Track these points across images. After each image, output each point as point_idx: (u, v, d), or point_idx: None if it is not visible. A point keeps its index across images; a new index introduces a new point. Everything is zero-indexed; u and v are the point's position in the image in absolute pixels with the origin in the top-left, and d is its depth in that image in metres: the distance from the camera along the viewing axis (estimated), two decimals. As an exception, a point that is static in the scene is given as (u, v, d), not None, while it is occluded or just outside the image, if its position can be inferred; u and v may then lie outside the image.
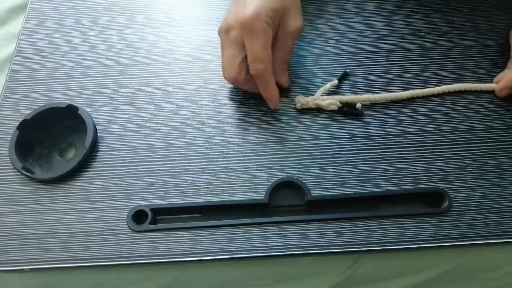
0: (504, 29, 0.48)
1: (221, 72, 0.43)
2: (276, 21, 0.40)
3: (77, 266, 0.37)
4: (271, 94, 0.42)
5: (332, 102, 0.43)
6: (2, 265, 0.38)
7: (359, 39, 0.48)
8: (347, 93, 0.45)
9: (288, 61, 0.44)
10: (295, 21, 0.42)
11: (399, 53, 0.47)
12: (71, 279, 0.39)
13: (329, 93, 0.45)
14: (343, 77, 0.45)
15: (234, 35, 0.40)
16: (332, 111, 0.44)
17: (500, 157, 0.41)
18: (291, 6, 0.41)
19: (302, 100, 0.43)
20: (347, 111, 0.43)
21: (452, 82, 0.45)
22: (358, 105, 0.43)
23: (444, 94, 0.45)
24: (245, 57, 0.41)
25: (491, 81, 0.45)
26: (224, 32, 0.41)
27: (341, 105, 0.43)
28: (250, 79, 0.41)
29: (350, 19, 0.50)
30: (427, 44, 0.48)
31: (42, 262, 0.38)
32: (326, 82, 0.45)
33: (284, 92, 0.45)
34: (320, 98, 0.43)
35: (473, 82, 0.45)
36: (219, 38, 0.43)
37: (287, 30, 0.41)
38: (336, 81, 0.45)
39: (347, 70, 0.46)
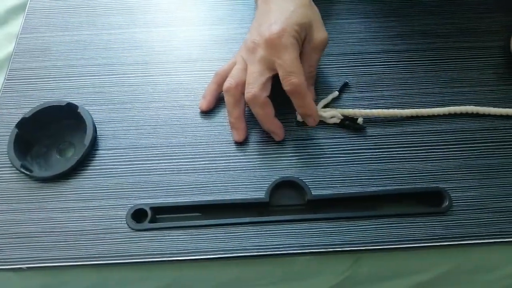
0: (501, 31, 0.48)
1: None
2: (302, 36, 0.40)
3: (76, 264, 0.37)
4: (308, 109, 0.40)
5: (333, 114, 0.43)
6: (0, 263, 0.37)
7: (357, 40, 0.48)
8: (348, 98, 0.45)
9: (314, 76, 0.43)
10: (320, 34, 0.41)
11: (397, 54, 0.47)
12: (70, 278, 0.39)
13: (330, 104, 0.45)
14: (343, 88, 0.45)
15: (261, 54, 0.39)
16: (334, 124, 0.43)
17: (500, 157, 0.41)
18: (314, 19, 0.41)
19: None
20: (349, 125, 0.43)
21: (451, 83, 0.45)
22: (360, 120, 0.43)
23: (444, 93, 0.45)
24: (271, 78, 0.40)
25: (489, 82, 0.45)
26: (250, 51, 0.40)
27: (342, 118, 0.43)
28: (268, 103, 0.40)
29: (349, 20, 0.50)
30: (424, 45, 0.48)
31: (40, 261, 0.37)
32: (325, 82, 0.46)
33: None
34: (322, 110, 0.43)
35: (472, 82, 0.45)
36: (238, 54, 0.43)
37: (312, 43, 0.41)
38: (336, 93, 0.45)
39: (347, 81, 0.45)
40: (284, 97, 0.40)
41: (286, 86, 0.39)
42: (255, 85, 0.39)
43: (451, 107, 0.43)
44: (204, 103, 0.44)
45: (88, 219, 0.39)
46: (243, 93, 0.40)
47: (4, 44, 0.54)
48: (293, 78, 0.38)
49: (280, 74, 0.39)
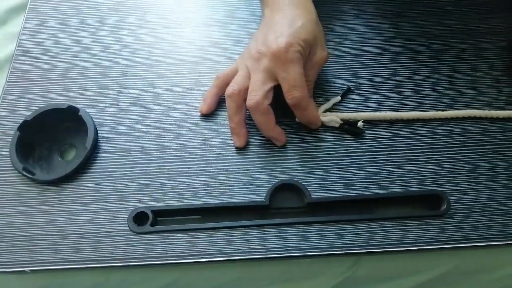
0: (503, 32, 0.48)
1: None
2: (307, 52, 0.41)
3: (78, 267, 0.38)
4: (312, 118, 0.42)
5: (332, 119, 0.43)
6: (2, 266, 0.38)
7: (358, 42, 0.48)
8: (349, 100, 0.45)
9: (311, 89, 0.44)
10: (321, 52, 0.42)
11: (398, 56, 0.47)
12: (71, 281, 0.39)
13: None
14: (346, 93, 0.45)
15: (266, 64, 0.40)
16: (333, 127, 0.43)
17: (498, 160, 0.41)
18: (319, 36, 0.42)
19: None
20: (348, 129, 0.43)
21: (452, 84, 0.45)
22: (360, 124, 0.43)
23: (446, 95, 0.45)
24: (273, 87, 0.40)
25: (490, 84, 0.45)
26: (255, 60, 0.41)
27: (341, 122, 0.43)
28: (270, 111, 0.41)
29: (350, 22, 0.50)
30: (425, 47, 0.48)
31: (42, 264, 0.38)
32: (326, 84, 0.46)
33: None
34: (322, 114, 0.43)
35: (473, 84, 0.45)
36: (241, 61, 0.43)
37: (314, 60, 0.42)
38: (338, 98, 0.45)
39: (350, 86, 0.45)
40: (284, 99, 0.40)
41: (289, 99, 0.40)
42: (258, 93, 0.40)
43: (453, 111, 0.43)
44: (204, 107, 0.44)
45: (90, 222, 0.39)
46: (245, 100, 0.41)
47: (4, 44, 0.54)
48: (296, 93, 0.39)
49: (284, 87, 0.40)
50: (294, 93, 0.39)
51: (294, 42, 0.39)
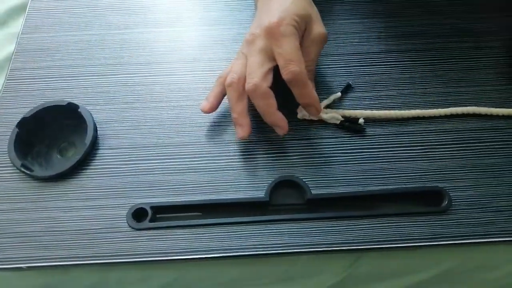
0: (501, 31, 0.48)
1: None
2: (302, 27, 0.39)
3: (77, 264, 0.37)
4: (309, 98, 0.39)
5: (334, 116, 0.43)
6: (0, 263, 0.37)
7: (357, 40, 0.49)
8: (349, 98, 0.45)
9: (313, 70, 0.42)
10: (319, 28, 0.41)
11: (397, 54, 0.47)
12: (70, 278, 0.39)
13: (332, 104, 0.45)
14: (346, 90, 0.45)
15: (260, 44, 0.39)
16: (334, 124, 0.43)
17: (499, 157, 0.41)
18: (313, 13, 0.41)
19: (304, 112, 0.43)
20: (349, 126, 0.43)
21: (451, 83, 0.45)
22: (361, 121, 0.42)
23: (445, 93, 0.45)
24: (272, 68, 0.39)
25: (489, 82, 0.45)
26: (250, 43, 0.40)
27: (343, 119, 0.43)
28: (270, 94, 0.39)
29: (349, 21, 0.50)
30: (424, 45, 0.48)
31: (40, 260, 0.37)
32: (325, 83, 0.46)
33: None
34: (323, 111, 0.43)
35: (472, 83, 0.45)
36: (238, 52, 0.42)
37: (311, 37, 0.41)
38: (339, 94, 0.45)
39: (350, 82, 0.45)
40: (283, 96, 0.40)
41: (285, 75, 0.38)
42: (256, 76, 0.38)
43: (452, 108, 0.43)
44: (207, 105, 0.42)
45: (89, 218, 0.39)
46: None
47: (4, 44, 0.54)
48: (292, 67, 0.37)
49: (280, 63, 0.38)
50: (290, 67, 0.37)
51: (286, 16, 0.38)
